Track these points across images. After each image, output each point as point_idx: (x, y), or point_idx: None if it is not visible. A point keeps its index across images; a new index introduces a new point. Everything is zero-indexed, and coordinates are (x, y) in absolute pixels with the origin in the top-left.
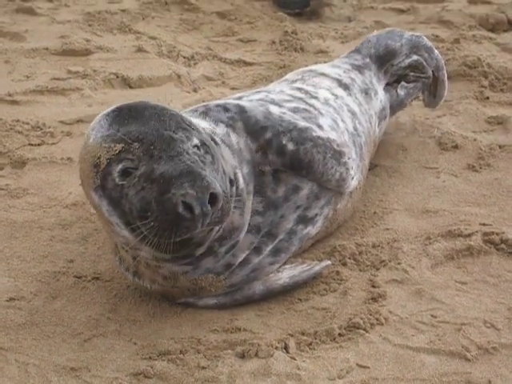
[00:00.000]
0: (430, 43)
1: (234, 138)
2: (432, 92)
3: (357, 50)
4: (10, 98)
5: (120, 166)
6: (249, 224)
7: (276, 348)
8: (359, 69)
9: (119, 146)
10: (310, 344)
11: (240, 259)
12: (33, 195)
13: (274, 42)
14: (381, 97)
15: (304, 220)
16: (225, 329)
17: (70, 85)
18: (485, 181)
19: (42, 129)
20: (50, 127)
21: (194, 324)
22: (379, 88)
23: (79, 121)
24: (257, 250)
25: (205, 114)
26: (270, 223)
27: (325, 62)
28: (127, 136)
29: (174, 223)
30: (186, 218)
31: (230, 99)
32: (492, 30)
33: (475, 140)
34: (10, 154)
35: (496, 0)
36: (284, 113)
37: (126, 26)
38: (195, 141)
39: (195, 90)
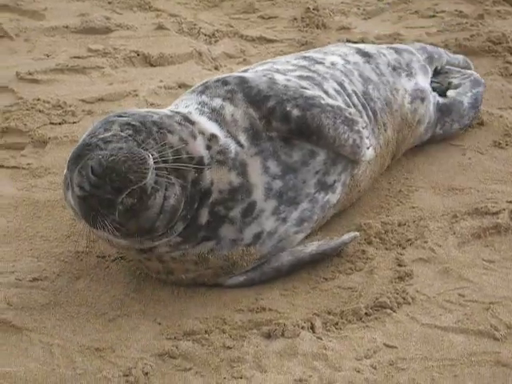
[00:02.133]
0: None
1: (228, 110)
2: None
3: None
4: (30, 77)
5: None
6: (270, 189)
7: (302, 328)
8: (396, 49)
9: None
10: (337, 324)
11: (267, 227)
12: (55, 174)
13: (295, 19)
14: (419, 82)
15: (324, 187)
16: (250, 308)
17: (91, 63)
18: (511, 158)
19: (62, 107)
20: (70, 106)
21: (219, 304)
22: (419, 74)
23: (100, 99)
24: (282, 219)
25: (201, 92)
26: (291, 188)
27: (347, 40)
28: None
29: (90, 199)
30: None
31: (235, 72)
32: None
33: (501, 117)
34: (32, 133)
35: None
36: (289, 80)
37: (145, 3)
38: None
39: (216, 68)
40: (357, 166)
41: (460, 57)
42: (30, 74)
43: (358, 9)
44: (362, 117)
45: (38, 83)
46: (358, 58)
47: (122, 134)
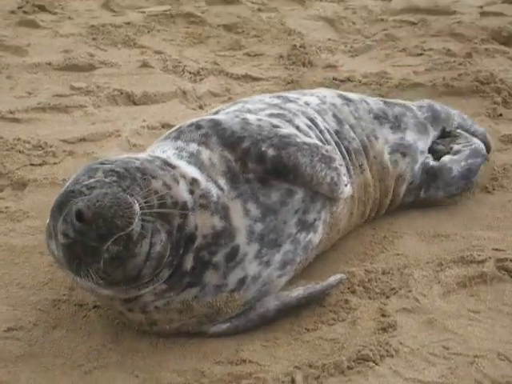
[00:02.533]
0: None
1: (205, 154)
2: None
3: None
4: (11, 116)
5: None
6: (252, 232)
7: (283, 382)
8: (387, 102)
9: None
10: (318, 377)
11: (251, 272)
12: (33, 218)
13: (281, 56)
14: (407, 137)
15: (305, 226)
16: (230, 360)
17: (73, 102)
18: (498, 203)
19: (43, 148)
20: (51, 146)
21: (198, 355)
22: (412, 130)
23: (82, 139)
24: (265, 263)
25: (176, 138)
26: (272, 229)
27: (334, 78)
28: None
29: (74, 247)
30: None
31: (207, 115)
32: (505, 44)
33: (488, 160)
34: (11, 174)
35: (509, 12)
36: (260, 119)
37: (130, 39)
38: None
39: (201, 107)
40: (335, 203)
41: (479, 129)
42: (11, 112)
43: (345, 46)
44: (337, 154)
45: (18, 122)
46: (337, 100)
47: (107, 180)
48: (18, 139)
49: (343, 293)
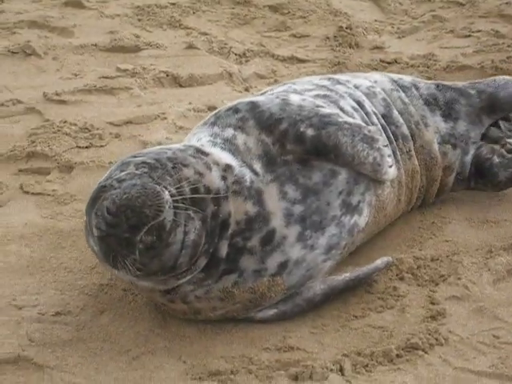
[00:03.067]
0: None
1: (240, 139)
2: None
3: (471, 82)
4: (57, 98)
5: None
6: (291, 214)
7: (331, 370)
8: (441, 86)
9: None
10: (367, 366)
11: (293, 256)
12: (80, 202)
13: (327, 38)
14: (459, 127)
15: (349, 208)
16: (277, 347)
17: (119, 83)
18: None
19: (90, 130)
20: (98, 129)
21: (245, 341)
22: (463, 119)
23: (128, 122)
24: (310, 246)
25: (213, 124)
26: (314, 211)
27: (381, 60)
28: None
29: (108, 240)
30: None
31: (249, 96)
32: None
33: None
34: (58, 157)
35: None
36: (304, 99)
37: (176, 20)
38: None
39: (247, 89)
40: (380, 185)
41: None
42: (58, 94)
43: (392, 27)
44: (382, 135)
45: (65, 104)
46: (388, 85)
47: (137, 172)
48: (65, 122)
49: (391, 280)
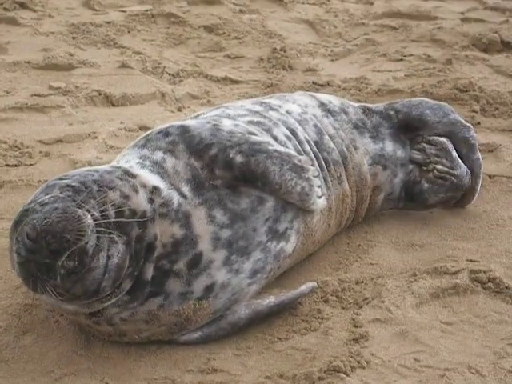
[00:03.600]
0: (475, 141)
1: (169, 162)
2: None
3: (389, 103)
4: None
5: None
6: (218, 238)
7: None
8: (367, 110)
9: None
10: None
11: (219, 279)
12: (8, 220)
13: (261, 59)
14: (387, 147)
15: (276, 235)
16: (201, 369)
17: (51, 102)
18: (473, 213)
19: (19, 148)
20: (28, 147)
21: (169, 363)
22: (389, 140)
23: (59, 141)
24: (235, 270)
25: (143, 146)
26: (241, 236)
27: (313, 82)
28: None
29: (28, 265)
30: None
31: (179, 120)
32: (485, 51)
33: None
34: None
35: (490, 18)
36: (237, 125)
37: (110, 39)
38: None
39: (179, 109)
40: (309, 213)
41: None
42: None
43: (326, 50)
44: (313, 165)
45: None
46: (318, 111)
47: (61, 195)
48: None
49: (316, 302)
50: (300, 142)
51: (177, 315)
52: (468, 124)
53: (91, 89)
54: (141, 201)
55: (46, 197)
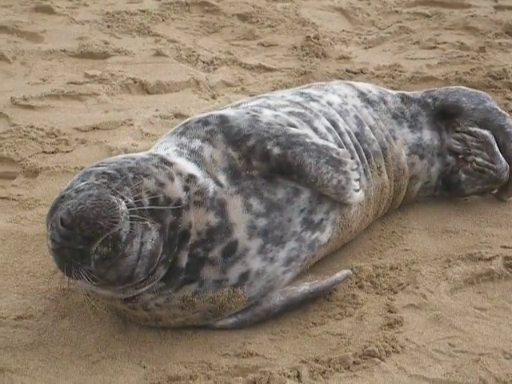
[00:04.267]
0: (511, 129)
1: (207, 151)
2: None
3: (426, 91)
4: (25, 103)
5: None
6: (254, 227)
7: (288, 376)
8: (405, 99)
9: None
10: (324, 372)
11: (254, 267)
12: (45, 206)
13: (295, 47)
14: (424, 137)
15: (310, 225)
16: (236, 353)
17: (87, 89)
18: (508, 200)
19: (56, 136)
20: (64, 134)
21: (205, 347)
22: (427, 128)
23: (95, 128)
24: (270, 259)
25: (181, 134)
26: (277, 226)
27: (347, 70)
28: None
29: (63, 251)
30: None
31: (219, 109)
32: None
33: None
34: (23, 162)
35: None
36: (277, 116)
37: (145, 27)
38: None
39: (213, 97)
40: (346, 205)
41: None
42: (25, 99)
43: (359, 37)
44: (353, 158)
45: (32, 109)
46: (358, 102)
47: (97, 182)
48: (32, 126)
49: (351, 287)
50: (341, 134)
51: (211, 302)
52: (504, 112)
53: (126, 77)
54: (176, 188)
55: (82, 183)
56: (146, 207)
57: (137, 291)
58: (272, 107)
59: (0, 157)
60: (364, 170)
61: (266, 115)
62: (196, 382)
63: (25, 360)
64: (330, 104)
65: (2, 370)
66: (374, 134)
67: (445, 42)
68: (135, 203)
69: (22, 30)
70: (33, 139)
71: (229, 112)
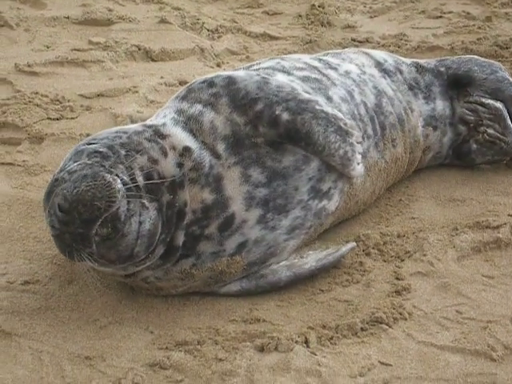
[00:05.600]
0: None
1: (207, 117)
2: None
3: (440, 59)
4: (29, 69)
5: None
6: (252, 197)
7: (296, 342)
8: (420, 68)
9: None
10: (331, 338)
11: (252, 236)
12: (50, 172)
13: (300, 16)
14: (438, 107)
15: (318, 194)
16: (244, 319)
17: (91, 56)
18: None
19: (61, 102)
20: (69, 101)
21: (212, 313)
22: (440, 99)
23: (99, 95)
24: (270, 227)
25: (183, 98)
26: (280, 194)
27: (352, 39)
28: None
29: (64, 236)
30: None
31: (229, 70)
32: None
33: None
34: (28, 128)
35: None
36: (292, 81)
37: None
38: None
39: (218, 65)
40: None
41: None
42: (29, 65)
43: (365, 6)
44: (360, 131)
45: (36, 76)
46: (375, 72)
47: (89, 162)
48: (36, 93)
49: (358, 255)
50: (356, 105)
51: (211, 270)
52: None
53: (131, 44)
54: (169, 165)
55: (75, 164)
56: (142, 184)
57: (136, 268)
58: (286, 70)
59: (5, 123)
60: (376, 142)
61: (277, 79)
62: (204, 347)
63: (32, 324)
64: (347, 73)
65: (10, 334)
66: (392, 106)
67: (450, 12)
68: (130, 180)
69: None
70: (37, 105)
71: (238, 73)
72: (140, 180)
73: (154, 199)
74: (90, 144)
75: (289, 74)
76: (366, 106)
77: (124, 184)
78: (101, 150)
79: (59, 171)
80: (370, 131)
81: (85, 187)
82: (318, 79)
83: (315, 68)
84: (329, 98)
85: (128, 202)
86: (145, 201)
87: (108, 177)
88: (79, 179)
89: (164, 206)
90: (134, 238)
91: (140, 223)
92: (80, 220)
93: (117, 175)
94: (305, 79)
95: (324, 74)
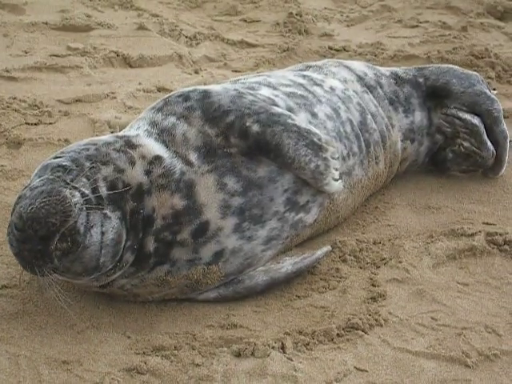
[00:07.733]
0: (498, 114)
1: (180, 129)
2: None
3: (418, 68)
4: (7, 74)
5: None
6: (228, 206)
7: (273, 347)
8: (399, 80)
9: None
10: (308, 344)
11: (229, 245)
12: (28, 177)
13: (277, 24)
14: (416, 119)
15: (295, 207)
16: (221, 324)
17: (70, 62)
18: (488, 177)
19: (39, 107)
20: (47, 106)
21: (189, 319)
22: (418, 110)
23: (78, 100)
24: (247, 237)
25: (159, 110)
26: (255, 204)
27: (329, 47)
28: None
29: (24, 254)
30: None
31: (209, 85)
32: (500, 19)
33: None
34: (6, 133)
35: None
36: (277, 95)
37: (127, 1)
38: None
39: (196, 72)
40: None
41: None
42: (7, 71)
43: (342, 15)
44: (335, 147)
45: (15, 81)
46: (358, 87)
47: (51, 177)
48: (14, 98)
49: (334, 261)
50: (342, 123)
51: (187, 279)
52: (493, 96)
53: (109, 50)
54: (136, 173)
55: (38, 180)
56: (104, 195)
57: (109, 278)
58: (272, 85)
59: None
60: (361, 160)
61: (262, 93)
62: (181, 352)
63: (9, 329)
64: (332, 89)
65: None
66: (375, 123)
67: (427, 21)
68: (92, 192)
69: (4, 1)
70: (15, 110)
71: (214, 87)
72: (103, 190)
73: (116, 208)
74: (57, 158)
75: (274, 88)
76: (352, 123)
77: (84, 196)
78: (64, 163)
79: (23, 188)
80: (355, 149)
81: (39, 204)
82: (303, 96)
83: (301, 85)
84: (314, 115)
85: (88, 214)
86: (107, 211)
87: (64, 191)
88: (36, 196)
89: (128, 213)
90: (97, 248)
91: (102, 233)
92: (37, 237)
93: (76, 188)
94: (290, 95)
95: (310, 91)
